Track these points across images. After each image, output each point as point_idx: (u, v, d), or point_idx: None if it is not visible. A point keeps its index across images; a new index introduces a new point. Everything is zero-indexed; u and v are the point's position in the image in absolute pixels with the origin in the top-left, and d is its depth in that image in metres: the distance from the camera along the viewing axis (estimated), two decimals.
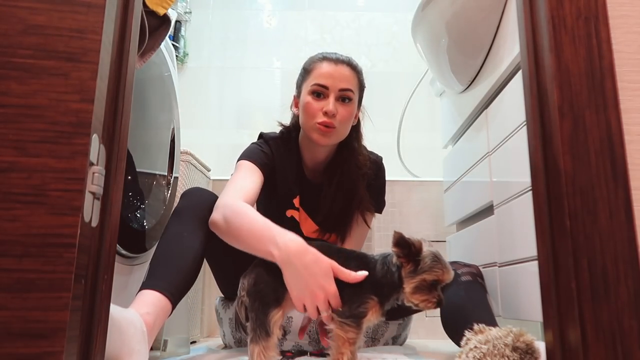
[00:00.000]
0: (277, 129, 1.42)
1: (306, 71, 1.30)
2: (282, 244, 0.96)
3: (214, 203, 1.16)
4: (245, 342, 1.33)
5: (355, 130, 1.36)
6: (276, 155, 1.33)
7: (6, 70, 0.60)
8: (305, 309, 0.96)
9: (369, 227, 1.40)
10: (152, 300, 1.00)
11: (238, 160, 1.29)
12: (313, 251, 0.95)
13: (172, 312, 1.05)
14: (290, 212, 1.35)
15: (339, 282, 0.95)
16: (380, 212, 1.43)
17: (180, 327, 1.43)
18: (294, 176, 1.35)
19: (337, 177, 1.34)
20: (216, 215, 1.11)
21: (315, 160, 1.36)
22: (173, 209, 1.24)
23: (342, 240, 1.36)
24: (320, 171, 1.38)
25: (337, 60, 1.27)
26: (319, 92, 1.26)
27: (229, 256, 1.10)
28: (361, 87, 1.32)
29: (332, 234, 1.36)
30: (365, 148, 1.40)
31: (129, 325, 0.89)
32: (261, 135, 1.39)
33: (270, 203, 1.36)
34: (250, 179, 1.23)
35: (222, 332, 1.43)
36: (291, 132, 1.39)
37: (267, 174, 1.28)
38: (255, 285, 0.96)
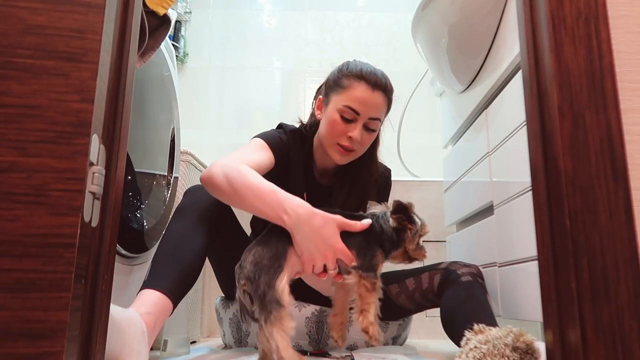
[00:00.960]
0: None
1: (341, 84, 1.23)
2: (291, 210, 0.99)
3: (217, 202, 1.13)
4: (245, 342, 1.33)
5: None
6: (292, 146, 1.31)
7: (6, 70, 0.60)
8: (313, 270, 1.02)
9: None
10: (153, 300, 1.00)
11: (253, 137, 1.28)
12: (320, 214, 1.01)
13: (173, 311, 1.05)
14: None
15: (348, 241, 1.03)
16: None
17: (180, 327, 1.43)
18: (303, 175, 1.34)
19: (348, 182, 1.34)
20: (215, 170, 1.07)
21: (326, 165, 1.36)
22: (175, 207, 1.24)
23: None
24: (329, 174, 1.38)
25: (375, 86, 1.21)
26: (349, 115, 1.21)
27: (231, 255, 1.10)
28: (389, 109, 1.31)
29: None
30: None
31: (129, 325, 0.89)
32: (280, 125, 1.37)
33: None
34: (258, 154, 1.20)
35: (222, 332, 1.43)
36: (308, 131, 1.37)
37: (279, 161, 1.25)
38: (256, 265, 0.97)
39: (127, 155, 1.28)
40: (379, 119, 1.24)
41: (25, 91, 0.60)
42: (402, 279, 1.32)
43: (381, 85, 1.23)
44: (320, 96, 1.33)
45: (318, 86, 1.40)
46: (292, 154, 1.31)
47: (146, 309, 0.97)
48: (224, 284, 1.41)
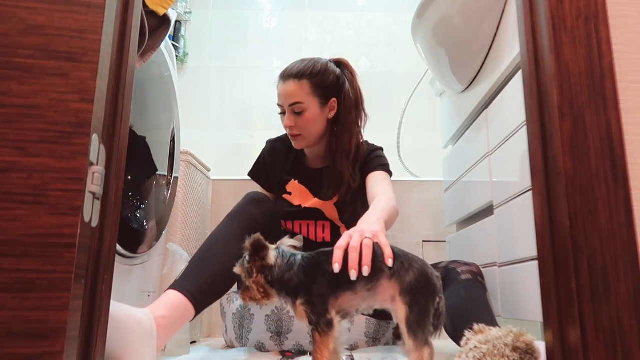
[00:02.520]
0: (279, 130, 1.55)
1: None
2: None
3: (271, 214, 1.34)
4: (246, 339, 1.33)
5: (338, 119, 1.44)
6: (268, 156, 1.55)
7: (6, 70, 0.60)
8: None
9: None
10: (173, 302, 1.00)
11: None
12: None
13: (195, 317, 1.04)
14: (285, 196, 1.49)
15: None
16: (388, 171, 1.46)
17: None
18: (290, 166, 1.52)
19: (328, 161, 1.47)
20: None
21: (313, 151, 1.50)
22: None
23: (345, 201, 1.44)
24: (321, 157, 1.50)
25: (284, 77, 1.41)
26: (280, 109, 1.43)
27: None
28: (318, 87, 1.40)
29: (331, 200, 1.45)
30: (361, 139, 1.48)
31: (134, 326, 0.88)
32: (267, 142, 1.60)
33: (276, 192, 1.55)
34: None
35: (225, 327, 1.43)
36: None
37: (267, 182, 1.53)
38: None
39: (131, 154, 1.29)
40: (298, 102, 1.39)
41: (25, 91, 0.60)
42: None
43: (291, 74, 1.40)
44: None
45: None
46: (268, 161, 1.54)
47: (163, 311, 0.97)
48: None
